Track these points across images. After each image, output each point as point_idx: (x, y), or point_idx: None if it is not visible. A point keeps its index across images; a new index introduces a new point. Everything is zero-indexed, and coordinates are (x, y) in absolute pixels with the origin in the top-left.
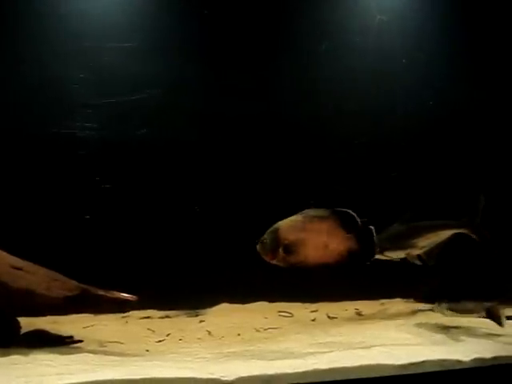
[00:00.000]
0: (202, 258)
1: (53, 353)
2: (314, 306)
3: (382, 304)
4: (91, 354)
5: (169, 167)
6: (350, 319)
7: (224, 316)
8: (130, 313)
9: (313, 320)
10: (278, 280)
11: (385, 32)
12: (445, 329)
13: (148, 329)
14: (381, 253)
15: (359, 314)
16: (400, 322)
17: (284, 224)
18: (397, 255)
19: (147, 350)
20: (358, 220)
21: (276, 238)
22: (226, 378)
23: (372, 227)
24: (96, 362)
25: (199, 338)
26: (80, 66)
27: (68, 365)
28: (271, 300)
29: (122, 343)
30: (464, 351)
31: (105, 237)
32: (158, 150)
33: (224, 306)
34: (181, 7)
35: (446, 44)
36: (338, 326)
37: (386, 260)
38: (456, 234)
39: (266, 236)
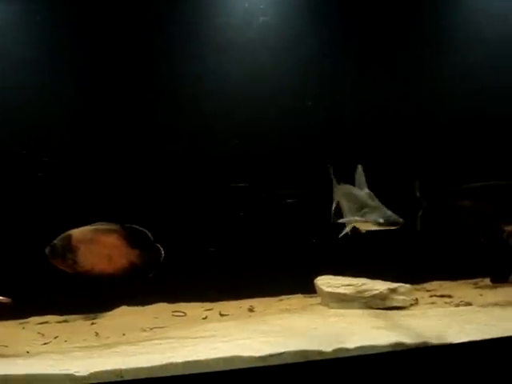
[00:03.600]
0: None
1: None
2: (211, 305)
3: (280, 300)
4: None
5: None
6: (239, 316)
7: (118, 318)
8: (30, 319)
9: (204, 318)
10: (178, 281)
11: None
12: (323, 320)
13: (38, 332)
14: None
15: (251, 310)
16: (282, 315)
17: (76, 232)
18: None
19: (27, 352)
20: (150, 236)
21: (67, 245)
22: (79, 374)
23: (160, 246)
24: None
25: (84, 339)
26: None
27: None
28: (172, 301)
29: (6, 346)
30: (327, 342)
31: None
32: None
33: (123, 308)
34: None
35: (328, 43)
36: (222, 323)
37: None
38: None
39: (56, 241)
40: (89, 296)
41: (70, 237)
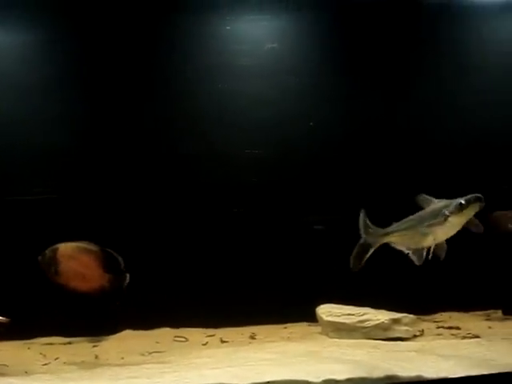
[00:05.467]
0: None
1: None
2: (214, 331)
3: (285, 328)
4: None
5: None
6: (239, 343)
7: (121, 341)
8: (35, 340)
9: (204, 344)
10: (183, 306)
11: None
12: (318, 350)
13: (40, 353)
14: None
15: (252, 337)
16: (280, 343)
17: (62, 246)
18: None
19: (26, 372)
20: (121, 263)
21: (52, 257)
22: None
23: (127, 274)
24: None
25: (83, 361)
26: None
27: None
28: (176, 326)
29: (6, 366)
30: (317, 372)
31: None
32: None
33: (127, 332)
34: None
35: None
36: (219, 349)
37: None
38: None
39: (46, 251)
40: (95, 319)
41: (56, 249)
